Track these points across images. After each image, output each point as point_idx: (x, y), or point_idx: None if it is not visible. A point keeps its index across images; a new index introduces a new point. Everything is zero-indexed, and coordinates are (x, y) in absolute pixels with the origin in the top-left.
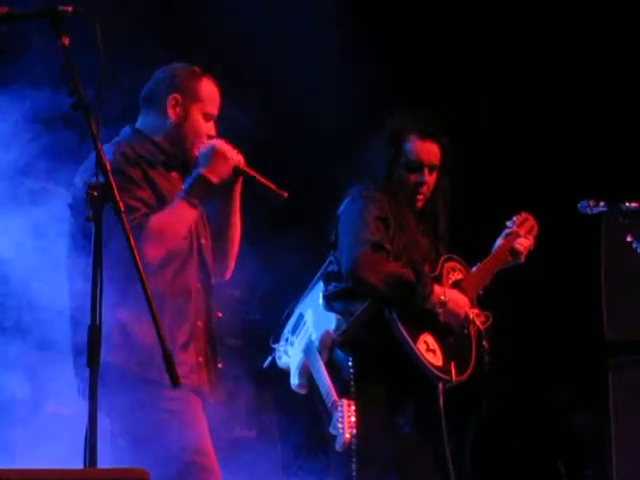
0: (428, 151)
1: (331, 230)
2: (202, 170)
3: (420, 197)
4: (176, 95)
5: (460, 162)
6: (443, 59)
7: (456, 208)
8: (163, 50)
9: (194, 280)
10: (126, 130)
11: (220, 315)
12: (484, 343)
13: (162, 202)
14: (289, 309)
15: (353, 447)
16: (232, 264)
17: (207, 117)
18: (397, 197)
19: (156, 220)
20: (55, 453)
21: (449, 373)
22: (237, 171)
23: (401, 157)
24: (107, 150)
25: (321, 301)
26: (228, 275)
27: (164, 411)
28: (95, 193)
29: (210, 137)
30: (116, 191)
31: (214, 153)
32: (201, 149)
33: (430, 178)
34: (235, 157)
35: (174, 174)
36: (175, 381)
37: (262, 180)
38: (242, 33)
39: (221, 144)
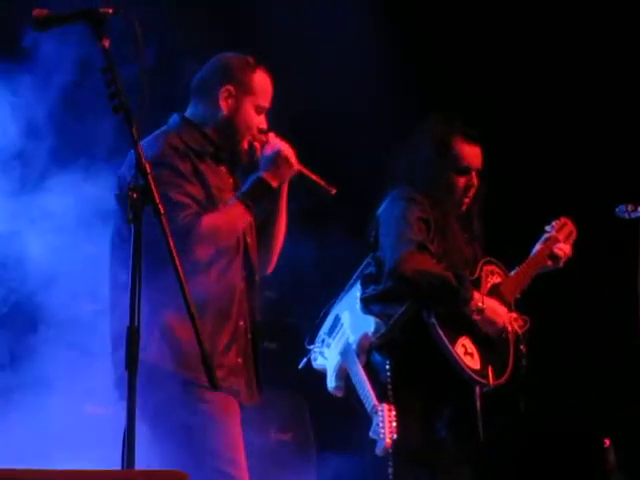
0: (475, 154)
1: (370, 232)
2: (264, 174)
3: (467, 201)
4: (229, 86)
5: (500, 166)
6: (480, 58)
7: (496, 212)
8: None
9: (238, 279)
10: (174, 118)
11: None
12: (522, 347)
13: (210, 197)
14: (325, 310)
15: (390, 450)
16: (275, 259)
17: (259, 110)
18: (440, 201)
19: (209, 220)
20: (93, 454)
21: (486, 377)
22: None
23: (450, 161)
24: (154, 139)
25: (358, 304)
26: (270, 270)
27: (199, 413)
28: (135, 195)
29: (261, 131)
30: (156, 189)
31: (279, 157)
32: (265, 152)
33: (477, 181)
34: (290, 152)
35: (222, 168)
36: (214, 385)
37: (313, 177)
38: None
39: (286, 148)
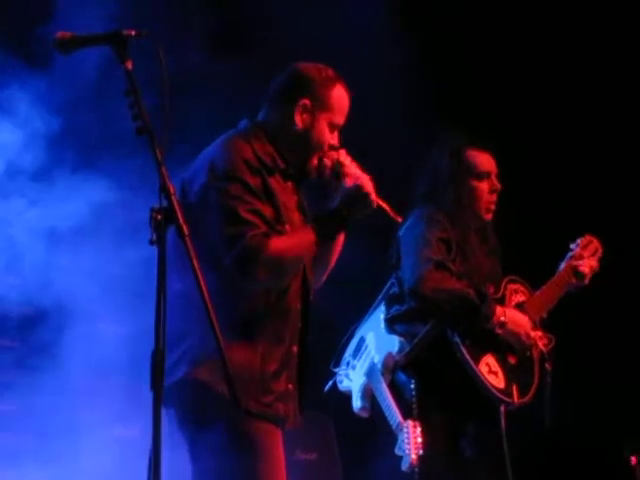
0: (488, 160)
1: (392, 252)
2: (344, 210)
3: (493, 207)
4: (306, 101)
5: (525, 183)
6: (507, 69)
7: (522, 231)
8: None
9: (294, 301)
10: (244, 123)
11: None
12: (547, 365)
13: (279, 216)
14: (349, 333)
15: (416, 469)
16: (325, 276)
17: (333, 127)
18: (462, 217)
19: (277, 245)
20: (122, 475)
21: (511, 395)
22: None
23: (467, 170)
24: (225, 148)
25: (383, 324)
26: (318, 286)
27: (243, 437)
28: (159, 216)
29: (332, 147)
30: (224, 203)
31: (360, 194)
32: (346, 184)
33: (499, 184)
34: (370, 187)
35: (289, 184)
36: (238, 402)
37: (383, 205)
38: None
39: (367, 183)
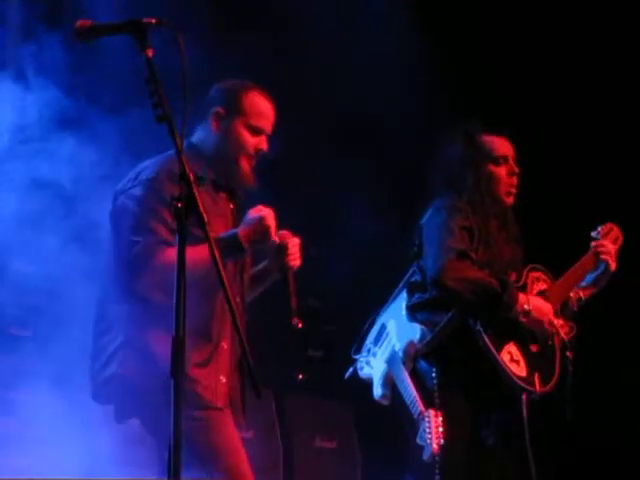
0: (504, 144)
1: (413, 241)
2: (240, 231)
3: (514, 190)
4: (219, 109)
5: (547, 172)
6: (522, 59)
7: (544, 219)
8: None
9: (221, 302)
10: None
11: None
12: (568, 354)
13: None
14: (370, 320)
15: (437, 458)
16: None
17: (254, 130)
18: (483, 204)
19: (171, 255)
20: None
21: (533, 384)
22: (284, 271)
23: (484, 155)
24: (154, 162)
25: (404, 312)
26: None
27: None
28: (179, 205)
29: (259, 151)
30: (138, 209)
31: (258, 222)
32: (251, 211)
33: (518, 168)
34: (294, 255)
35: (222, 194)
36: (258, 395)
37: (290, 294)
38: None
39: (269, 217)
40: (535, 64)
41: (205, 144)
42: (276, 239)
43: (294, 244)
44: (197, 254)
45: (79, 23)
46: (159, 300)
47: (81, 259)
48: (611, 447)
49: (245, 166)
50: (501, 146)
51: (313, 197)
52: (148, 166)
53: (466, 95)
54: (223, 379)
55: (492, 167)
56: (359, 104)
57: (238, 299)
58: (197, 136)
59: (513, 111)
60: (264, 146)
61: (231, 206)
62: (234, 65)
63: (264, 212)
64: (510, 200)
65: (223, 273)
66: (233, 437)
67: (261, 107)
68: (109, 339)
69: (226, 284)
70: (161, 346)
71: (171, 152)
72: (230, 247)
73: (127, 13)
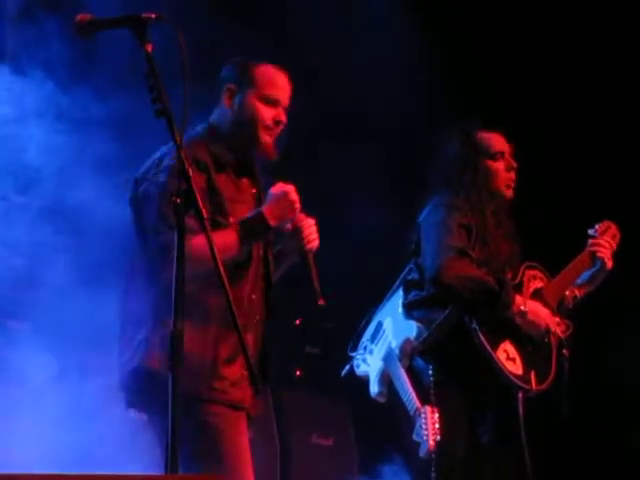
0: (500, 140)
1: (410, 238)
2: (265, 209)
3: (513, 184)
4: (230, 85)
5: (547, 171)
6: (520, 59)
7: (541, 217)
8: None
9: (252, 291)
10: (202, 126)
11: (299, 322)
12: (564, 352)
13: (220, 210)
14: (367, 317)
15: (433, 455)
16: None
17: (267, 101)
18: (480, 201)
19: (197, 242)
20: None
21: (529, 382)
22: (303, 253)
23: (481, 152)
24: (171, 151)
25: (401, 309)
26: None
27: (203, 426)
28: (178, 200)
29: (278, 122)
30: (198, 197)
31: (283, 197)
32: (273, 188)
33: (515, 162)
34: (311, 236)
35: (245, 180)
36: (257, 390)
37: (312, 276)
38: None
39: (293, 192)
40: (534, 63)
41: (222, 123)
42: (312, 243)
43: (310, 225)
44: (224, 238)
45: (79, 17)
46: (188, 291)
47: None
48: (607, 445)
49: (265, 138)
50: (497, 142)
51: (312, 195)
52: (169, 152)
53: (466, 94)
54: (246, 373)
55: (490, 163)
56: (359, 103)
57: (254, 296)
58: (214, 117)
59: (512, 110)
60: (282, 117)
61: (253, 191)
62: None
63: (287, 187)
64: (510, 193)
65: (222, 268)
66: (246, 441)
67: (274, 77)
68: (135, 330)
69: (224, 279)
70: (190, 340)
71: (191, 135)
72: (256, 227)
73: (126, 8)
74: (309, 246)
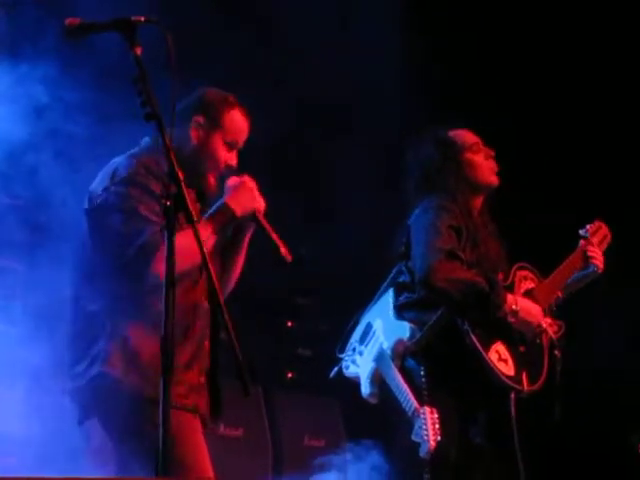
0: (471, 134)
1: (400, 241)
2: (228, 200)
3: (496, 169)
4: (200, 118)
5: (538, 172)
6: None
7: (531, 217)
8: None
9: (201, 299)
10: (146, 141)
11: (290, 324)
12: (556, 352)
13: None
14: (355, 319)
15: (427, 456)
16: (232, 286)
17: (229, 146)
18: (465, 202)
19: (180, 238)
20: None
21: (521, 383)
22: (254, 216)
23: (458, 148)
24: (127, 159)
25: (391, 311)
26: (231, 288)
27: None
28: (168, 203)
29: (228, 167)
30: (125, 205)
31: (242, 187)
32: (229, 181)
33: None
34: (259, 201)
35: (192, 193)
36: (246, 393)
37: (272, 236)
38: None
39: (250, 180)
40: (529, 61)
41: (180, 148)
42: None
43: (251, 188)
44: (189, 239)
45: (68, 21)
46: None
47: None
48: (599, 446)
49: (212, 181)
50: (469, 135)
51: (306, 194)
52: (122, 162)
53: (455, 86)
54: (202, 380)
55: (469, 155)
56: (354, 96)
57: (206, 304)
58: (172, 135)
59: (498, 107)
60: (234, 162)
61: (198, 206)
62: (224, 55)
63: (243, 177)
64: (496, 180)
65: (211, 266)
66: (201, 439)
67: (241, 125)
68: (91, 339)
69: (213, 276)
70: (144, 343)
71: (139, 149)
72: (224, 218)
73: (115, 10)
74: (256, 206)
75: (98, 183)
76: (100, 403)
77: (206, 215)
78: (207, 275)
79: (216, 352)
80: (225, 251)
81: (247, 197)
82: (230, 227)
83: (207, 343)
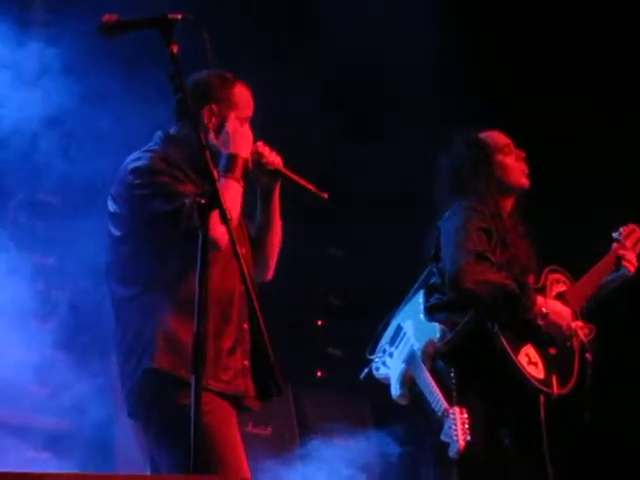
0: (502, 135)
1: (430, 242)
2: (225, 150)
3: (527, 171)
4: (213, 105)
5: (572, 175)
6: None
7: (564, 221)
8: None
9: (237, 283)
10: (158, 135)
11: (320, 323)
12: (587, 356)
13: None
14: (385, 321)
15: (456, 456)
16: (273, 265)
17: (242, 121)
18: (495, 203)
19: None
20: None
21: (550, 386)
22: (276, 173)
23: (487, 150)
24: (141, 153)
25: (422, 312)
26: (270, 276)
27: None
28: (203, 200)
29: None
30: (221, 197)
31: (233, 132)
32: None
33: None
34: (271, 157)
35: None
36: (279, 392)
37: (301, 181)
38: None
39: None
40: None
41: (194, 140)
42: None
43: (263, 147)
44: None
45: (105, 18)
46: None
47: None
48: (629, 449)
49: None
50: (500, 137)
51: (339, 195)
52: (139, 157)
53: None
54: (247, 363)
55: (500, 157)
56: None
57: (242, 286)
58: (179, 131)
59: (531, 107)
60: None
61: None
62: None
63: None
64: (527, 181)
65: (239, 249)
66: (238, 439)
67: (248, 97)
68: (136, 333)
69: (242, 261)
70: (188, 335)
71: (153, 142)
72: (234, 164)
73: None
74: (276, 163)
75: (119, 184)
76: (149, 398)
77: (222, 169)
78: (236, 258)
79: (257, 334)
80: (260, 221)
81: (236, 138)
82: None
83: (246, 325)
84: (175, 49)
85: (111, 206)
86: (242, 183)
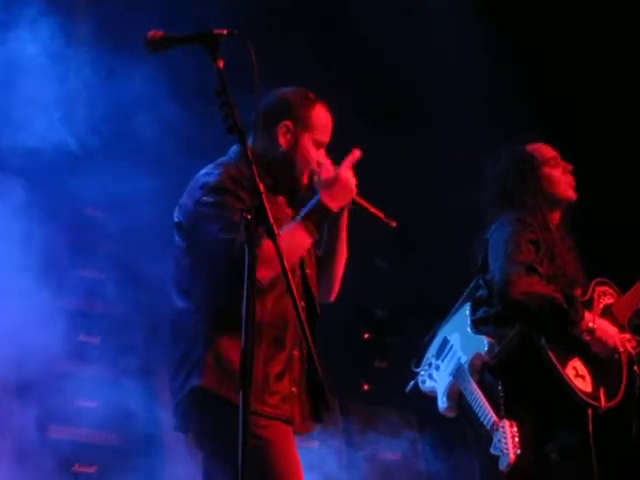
0: (549, 148)
1: (478, 255)
2: (323, 197)
3: (574, 184)
4: (287, 122)
5: (619, 186)
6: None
7: (615, 233)
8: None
9: (293, 309)
10: (234, 149)
11: (367, 336)
12: (635, 368)
13: None
14: (431, 333)
15: (507, 469)
16: (337, 287)
17: (318, 144)
18: (542, 216)
19: (270, 243)
20: None
21: (598, 399)
22: (352, 201)
23: (535, 163)
24: (213, 168)
25: (469, 325)
26: (332, 298)
27: (255, 437)
28: (249, 216)
29: (320, 165)
30: (269, 213)
31: (336, 181)
32: (323, 175)
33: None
34: (353, 186)
35: (281, 198)
36: (328, 408)
37: (372, 209)
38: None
39: (344, 172)
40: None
41: (266, 153)
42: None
43: (346, 180)
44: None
45: (151, 34)
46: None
47: None
48: None
49: (305, 180)
50: (548, 150)
51: (390, 210)
52: (210, 172)
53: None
54: (294, 390)
55: (547, 169)
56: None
57: (303, 303)
58: (254, 142)
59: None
60: (324, 159)
61: (288, 211)
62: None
63: (336, 170)
64: (573, 194)
65: (290, 276)
66: (295, 452)
67: (327, 121)
68: (187, 348)
69: (293, 287)
70: (237, 355)
71: (227, 157)
72: (319, 215)
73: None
74: (354, 185)
75: (187, 197)
76: (195, 416)
77: (300, 215)
78: (288, 287)
79: (310, 361)
80: (327, 248)
81: (342, 191)
82: (325, 223)
83: (297, 353)
84: (221, 64)
85: (177, 216)
86: (315, 237)
